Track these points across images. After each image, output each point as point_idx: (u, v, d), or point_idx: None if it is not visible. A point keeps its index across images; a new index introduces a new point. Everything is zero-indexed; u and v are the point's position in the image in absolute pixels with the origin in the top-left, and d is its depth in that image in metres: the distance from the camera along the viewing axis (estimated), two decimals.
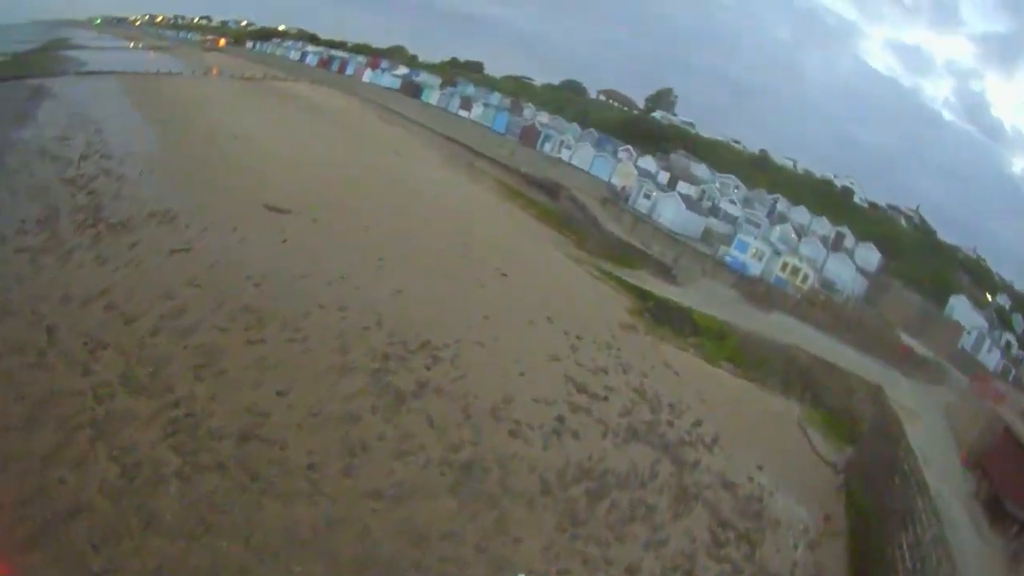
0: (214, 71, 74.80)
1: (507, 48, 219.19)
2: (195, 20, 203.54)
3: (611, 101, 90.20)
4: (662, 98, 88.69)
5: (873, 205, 63.79)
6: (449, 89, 72.46)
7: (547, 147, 54.68)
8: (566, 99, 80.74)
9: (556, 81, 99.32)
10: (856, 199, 62.13)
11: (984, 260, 58.48)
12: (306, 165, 32.62)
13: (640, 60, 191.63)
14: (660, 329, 26.34)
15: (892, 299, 40.62)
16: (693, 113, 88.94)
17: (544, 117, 65.18)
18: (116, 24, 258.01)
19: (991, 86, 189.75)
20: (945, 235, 60.54)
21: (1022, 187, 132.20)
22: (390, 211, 28.61)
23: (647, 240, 39.17)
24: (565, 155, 52.64)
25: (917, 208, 67.42)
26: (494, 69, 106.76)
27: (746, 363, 25.65)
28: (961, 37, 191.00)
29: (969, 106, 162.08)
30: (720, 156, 64.40)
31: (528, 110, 68.44)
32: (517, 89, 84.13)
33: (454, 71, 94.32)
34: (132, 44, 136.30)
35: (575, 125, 62.33)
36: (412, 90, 73.35)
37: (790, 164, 69.90)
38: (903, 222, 62.41)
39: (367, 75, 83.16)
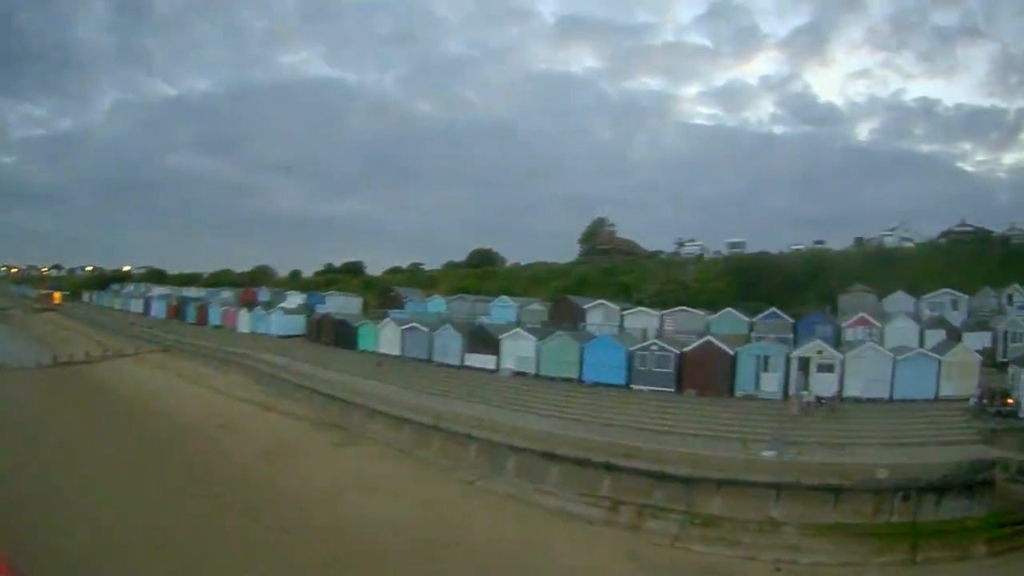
0: None
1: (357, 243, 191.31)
2: (45, 271, 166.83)
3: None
4: (597, 230, 70.64)
5: None
6: (395, 314, 39.90)
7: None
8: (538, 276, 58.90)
9: (458, 259, 76.91)
10: None
11: None
12: None
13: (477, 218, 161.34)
14: None
15: None
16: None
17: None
18: None
19: (812, 77, 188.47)
20: None
21: (870, 149, 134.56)
22: None
23: None
24: None
25: None
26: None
27: None
28: (768, 50, 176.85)
29: (796, 108, 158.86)
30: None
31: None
32: (460, 286, 55.17)
33: (391, 289, 56.37)
34: None
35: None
36: (334, 333, 41.28)
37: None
38: None
39: (243, 319, 51.96)
